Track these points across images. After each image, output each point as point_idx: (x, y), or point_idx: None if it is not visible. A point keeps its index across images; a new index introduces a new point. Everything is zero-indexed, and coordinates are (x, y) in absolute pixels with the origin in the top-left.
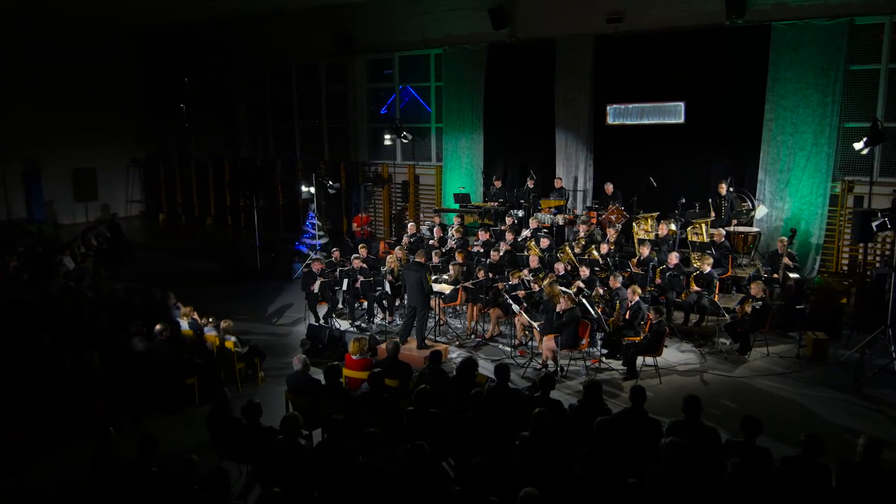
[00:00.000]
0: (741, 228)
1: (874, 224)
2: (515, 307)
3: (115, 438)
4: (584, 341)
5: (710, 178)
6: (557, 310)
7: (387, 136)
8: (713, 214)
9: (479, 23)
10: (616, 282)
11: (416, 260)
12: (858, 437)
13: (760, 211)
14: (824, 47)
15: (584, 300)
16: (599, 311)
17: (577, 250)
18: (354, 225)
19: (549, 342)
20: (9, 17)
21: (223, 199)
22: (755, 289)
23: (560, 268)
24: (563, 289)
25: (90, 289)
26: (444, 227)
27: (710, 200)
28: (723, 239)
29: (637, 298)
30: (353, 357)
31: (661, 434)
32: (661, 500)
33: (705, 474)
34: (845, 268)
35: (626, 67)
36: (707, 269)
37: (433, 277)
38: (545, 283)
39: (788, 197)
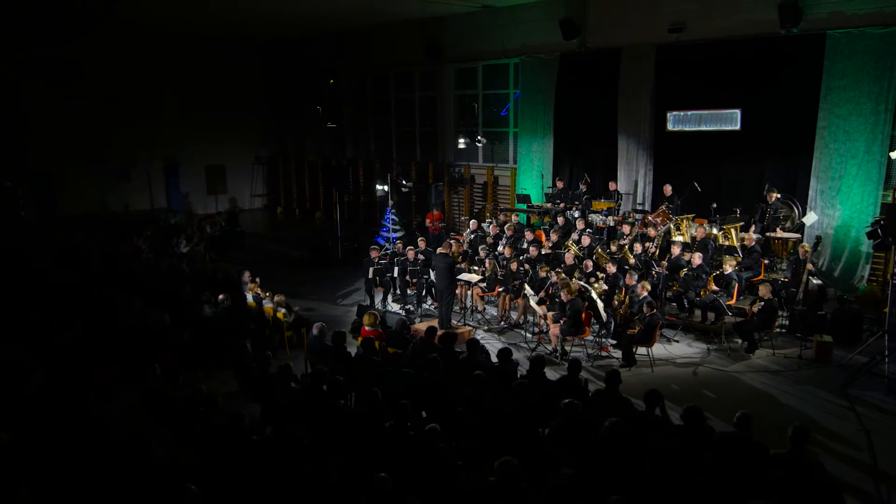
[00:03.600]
0: (781, 234)
1: (866, 231)
2: (530, 294)
3: (159, 376)
4: (587, 329)
5: (763, 183)
6: (561, 299)
7: (461, 140)
8: (756, 220)
9: (552, 33)
10: (632, 279)
11: (442, 251)
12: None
13: (810, 218)
14: (878, 55)
15: (593, 294)
16: (614, 304)
17: (611, 249)
18: (427, 221)
19: (554, 329)
20: (154, 34)
21: (331, 195)
22: (762, 290)
23: (588, 264)
24: (583, 284)
25: (188, 266)
26: (501, 226)
27: (758, 207)
28: (753, 243)
29: (645, 294)
30: (367, 328)
31: (587, 400)
32: (557, 448)
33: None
34: None
35: (686, 75)
36: (728, 270)
37: (473, 268)
38: (562, 277)
39: (839, 205)
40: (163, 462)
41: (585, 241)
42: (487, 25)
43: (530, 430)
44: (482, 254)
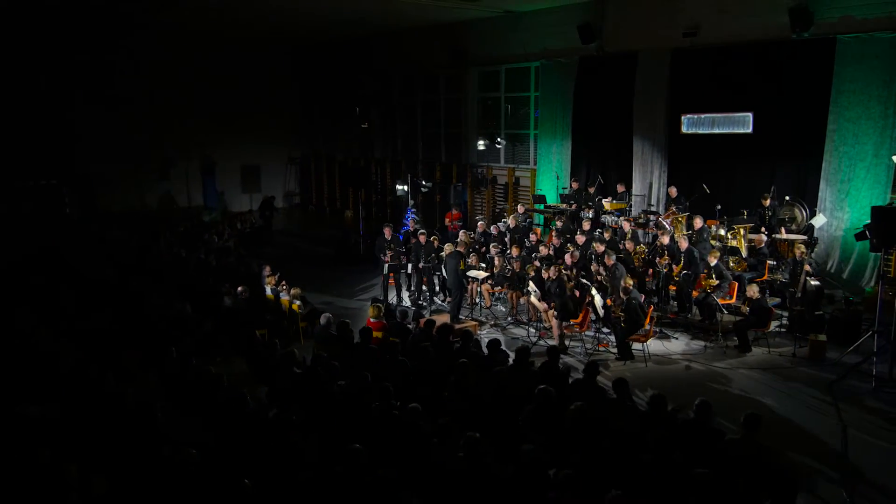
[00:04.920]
0: (786, 235)
1: (855, 234)
2: (533, 290)
3: (175, 359)
4: (584, 322)
5: (773, 186)
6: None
7: (480, 142)
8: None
9: (571, 38)
10: (610, 259)
11: (458, 250)
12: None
13: (819, 220)
14: (888, 59)
15: (593, 290)
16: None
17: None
18: (446, 220)
19: (555, 324)
20: (192, 40)
21: (359, 194)
22: (750, 291)
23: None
24: (584, 281)
25: (215, 260)
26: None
27: (756, 211)
28: (762, 245)
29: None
30: (371, 320)
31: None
32: (531, 430)
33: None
34: None
35: (700, 79)
36: (713, 261)
37: (481, 265)
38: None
39: (848, 207)
40: (167, 429)
41: (580, 239)
42: (509, 30)
43: (508, 412)
44: (493, 251)
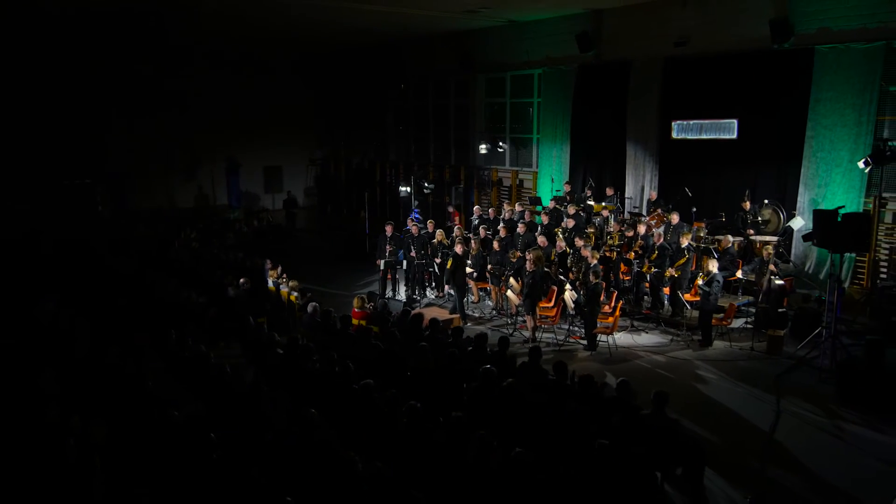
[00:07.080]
0: (758, 237)
1: (801, 235)
2: (512, 285)
3: (174, 340)
4: (557, 315)
5: (756, 190)
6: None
7: (482, 146)
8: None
9: (570, 46)
10: (586, 251)
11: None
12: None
13: (797, 222)
14: (862, 69)
15: (567, 286)
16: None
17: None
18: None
19: (528, 317)
20: (218, 48)
21: (374, 194)
22: (710, 265)
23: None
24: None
25: (224, 255)
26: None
27: (738, 214)
28: (729, 245)
29: (594, 262)
30: (356, 309)
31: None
32: (474, 405)
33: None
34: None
35: (690, 86)
36: (685, 243)
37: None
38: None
39: None
40: (158, 396)
41: (570, 223)
42: (513, 38)
43: (457, 388)
44: (482, 232)
